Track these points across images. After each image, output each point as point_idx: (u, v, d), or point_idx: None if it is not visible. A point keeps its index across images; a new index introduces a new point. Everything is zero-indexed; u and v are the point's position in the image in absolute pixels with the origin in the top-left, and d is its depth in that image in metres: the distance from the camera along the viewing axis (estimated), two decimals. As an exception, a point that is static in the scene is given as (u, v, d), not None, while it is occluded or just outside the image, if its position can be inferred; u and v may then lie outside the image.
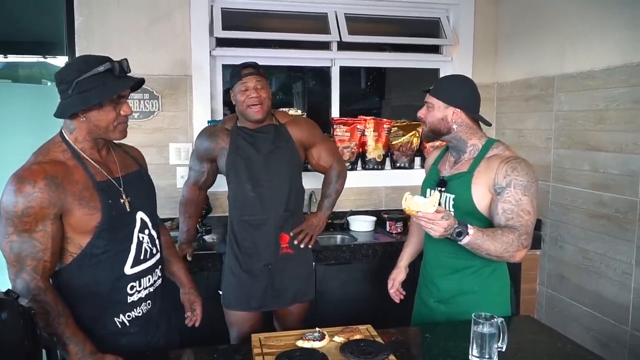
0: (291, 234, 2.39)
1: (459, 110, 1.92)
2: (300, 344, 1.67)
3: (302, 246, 2.41)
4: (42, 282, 1.49)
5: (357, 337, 1.71)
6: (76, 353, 1.48)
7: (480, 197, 1.88)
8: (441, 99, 1.92)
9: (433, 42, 3.67)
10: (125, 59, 1.58)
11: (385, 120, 3.53)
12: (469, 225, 1.73)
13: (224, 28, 3.22)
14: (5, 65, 6.10)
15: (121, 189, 1.65)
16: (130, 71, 1.60)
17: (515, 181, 1.81)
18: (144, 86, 3.03)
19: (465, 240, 1.73)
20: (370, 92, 6.75)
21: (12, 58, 5.99)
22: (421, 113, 1.99)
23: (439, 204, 1.80)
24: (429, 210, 1.68)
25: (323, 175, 2.61)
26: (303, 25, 3.49)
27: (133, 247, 1.67)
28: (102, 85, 1.52)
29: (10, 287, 1.43)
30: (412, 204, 1.70)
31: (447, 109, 1.91)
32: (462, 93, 1.94)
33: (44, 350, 1.37)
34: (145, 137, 3.15)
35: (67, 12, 2.98)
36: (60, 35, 3.10)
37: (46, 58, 5.64)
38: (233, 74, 2.33)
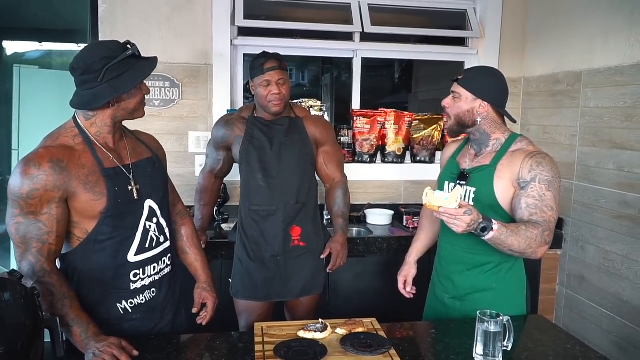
0: (322, 256, 2.40)
1: (486, 103, 1.87)
2: (302, 334, 1.66)
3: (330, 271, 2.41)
4: (47, 265, 1.51)
5: (360, 329, 1.70)
6: (80, 334, 1.49)
7: (502, 191, 1.84)
8: (470, 90, 1.87)
9: (458, 34, 3.61)
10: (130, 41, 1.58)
11: (406, 113, 3.49)
12: (493, 220, 1.68)
13: (246, 17, 3.21)
14: (42, 53, 6.23)
15: (130, 177, 1.65)
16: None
17: (540, 176, 1.77)
18: (165, 74, 3.14)
19: (489, 236, 1.68)
20: (398, 86, 6.68)
21: (47, 46, 6.13)
22: (446, 102, 1.93)
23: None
24: (451, 206, 1.62)
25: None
26: (326, 15, 3.46)
27: (138, 235, 1.67)
28: (131, 69, 1.53)
29: (15, 268, 1.45)
30: (433, 199, 1.64)
31: (474, 101, 1.87)
32: (492, 86, 1.89)
33: (46, 331, 1.39)
34: (165, 125, 3.19)
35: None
36: (85, 22, 3.13)
37: (79, 45, 5.75)
38: (255, 66, 2.28)
